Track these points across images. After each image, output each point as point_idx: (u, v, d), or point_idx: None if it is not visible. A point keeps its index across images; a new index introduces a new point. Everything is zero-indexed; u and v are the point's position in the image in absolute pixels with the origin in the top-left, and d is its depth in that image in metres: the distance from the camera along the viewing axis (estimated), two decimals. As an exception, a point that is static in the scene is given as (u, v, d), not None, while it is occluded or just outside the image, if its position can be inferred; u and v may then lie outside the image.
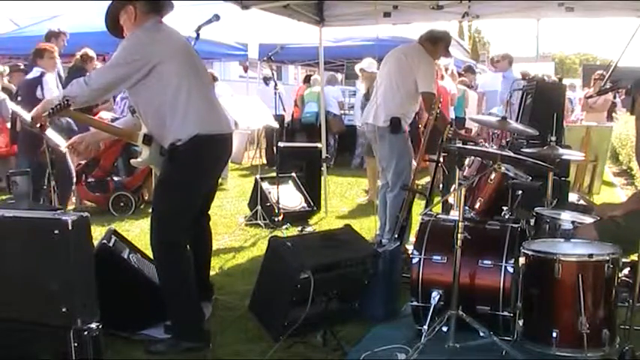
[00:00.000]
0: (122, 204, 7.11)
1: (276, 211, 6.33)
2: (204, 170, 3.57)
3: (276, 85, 6.86)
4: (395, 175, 5.29)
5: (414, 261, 3.62)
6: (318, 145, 7.60)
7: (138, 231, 6.19)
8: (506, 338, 3.36)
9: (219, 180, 5.03)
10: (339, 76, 16.12)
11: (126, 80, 3.40)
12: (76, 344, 2.74)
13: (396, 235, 4.89)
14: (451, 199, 5.08)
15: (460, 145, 4.96)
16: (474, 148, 4.54)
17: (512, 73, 9.56)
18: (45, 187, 5.11)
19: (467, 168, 4.39)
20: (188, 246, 3.52)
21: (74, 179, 6.59)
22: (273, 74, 7.47)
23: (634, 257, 3.54)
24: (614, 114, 12.37)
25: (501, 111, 8.16)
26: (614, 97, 12.16)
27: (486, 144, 4.86)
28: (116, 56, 3.46)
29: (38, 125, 3.66)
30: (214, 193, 3.98)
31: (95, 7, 10.78)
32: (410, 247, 4.26)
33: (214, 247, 5.29)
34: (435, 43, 5.37)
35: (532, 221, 3.99)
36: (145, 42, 3.42)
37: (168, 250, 3.44)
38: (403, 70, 5.27)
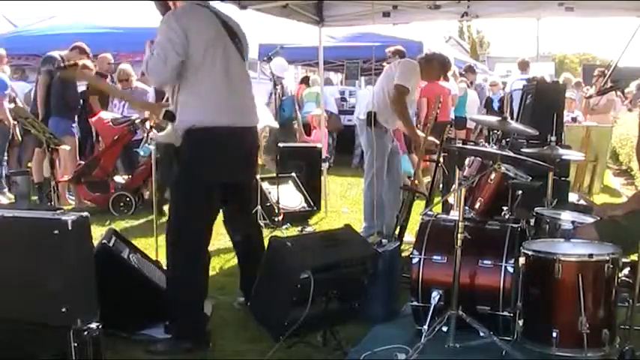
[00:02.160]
0: (122, 204, 7.09)
1: (276, 211, 6.32)
2: (205, 164, 3.47)
3: (275, 85, 6.85)
4: (368, 165, 5.67)
5: (414, 261, 3.63)
6: (318, 145, 7.59)
7: (138, 231, 6.18)
8: (506, 338, 3.36)
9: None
10: (340, 76, 16.13)
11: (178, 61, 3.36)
12: (76, 344, 2.74)
13: (397, 235, 4.92)
14: (451, 199, 5.09)
15: (460, 145, 4.98)
16: (474, 148, 4.54)
17: None
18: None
19: (467, 168, 4.39)
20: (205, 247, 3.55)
21: None
22: (273, 74, 7.45)
23: (634, 257, 3.54)
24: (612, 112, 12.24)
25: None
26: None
27: (486, 143, 4.86)
28: (157, 43, 3.40)
29: None
30: (245, 192, 3.86)
31: (93, 8, 10.82)
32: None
33: (214, 247, 5.31)
34: (429, 61, 5.65)
35: (532, 221, 3.99)
36: (173, 25, 3.36)
37: (178, 247, 3.45)
38: (388, 75, 5.61)
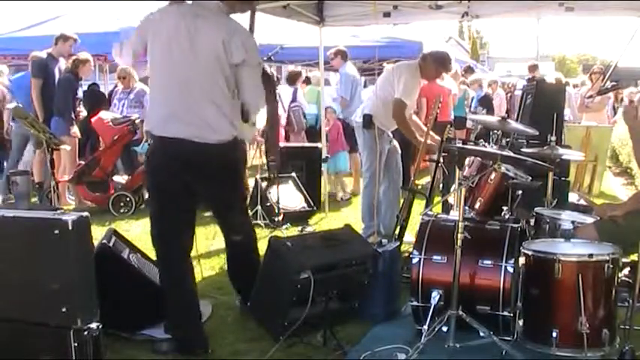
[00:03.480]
0: (122, 204, 7.10)
1: (276, 211, 6.32)
2: (158, 171, 3.46)
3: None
4: (365, 167, 5.72)
5: (414, 261, 3.62)
6: (318, 145, 7.60)
7: (138, 231, 6.18)
8: (506, 338, 3.36)
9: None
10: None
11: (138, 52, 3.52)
12: (76, 344, 2.74)
13: (397, 235, 4.92)
14: (451, 199, 5.09)
15: (460, 145, 4.98)
16: (474, 148, 4.54)
17: (346, 69, 8.48)
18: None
19: (467, 168, 4.39)
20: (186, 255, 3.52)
21: None
22: (273, 74, 7.45)
23: (634, 257, 3.54)
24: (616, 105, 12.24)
25: (338, 108, 8.46)
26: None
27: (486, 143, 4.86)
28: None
29: None
30: (222, 201, 3.65)
31: (95, 9, 10.81)
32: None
33: (214, 247, 5.31)
34: (425, 59, 5.57)
35: (532, 221, 3.99)
36: (146, 18, 3.52)
37: (159, 253, 3.49)
38: (387, 79, 5.59)
